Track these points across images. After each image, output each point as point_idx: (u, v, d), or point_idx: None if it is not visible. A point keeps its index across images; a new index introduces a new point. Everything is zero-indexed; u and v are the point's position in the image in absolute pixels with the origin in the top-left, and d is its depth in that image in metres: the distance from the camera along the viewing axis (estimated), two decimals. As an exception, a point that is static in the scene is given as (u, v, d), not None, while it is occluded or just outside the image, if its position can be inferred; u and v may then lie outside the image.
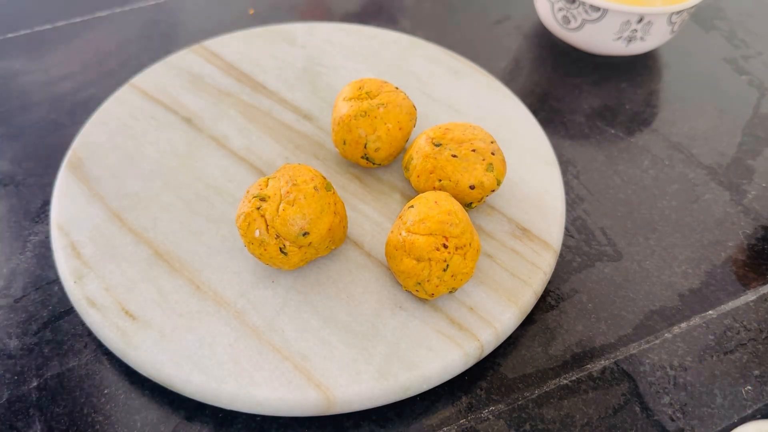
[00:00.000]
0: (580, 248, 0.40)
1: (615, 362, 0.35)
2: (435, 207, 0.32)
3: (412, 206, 0.33)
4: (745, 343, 0.36)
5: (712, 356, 0.35)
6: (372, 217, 0.38)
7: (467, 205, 0.37)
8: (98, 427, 0.31)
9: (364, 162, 0.39)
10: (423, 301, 0.34)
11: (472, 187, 0.35)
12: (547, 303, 0.37)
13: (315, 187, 0.32)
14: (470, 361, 0.33)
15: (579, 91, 0.51)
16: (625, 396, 0.33)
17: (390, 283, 0.35)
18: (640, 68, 0.53)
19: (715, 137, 0.48)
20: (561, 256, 0.39)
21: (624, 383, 0.34)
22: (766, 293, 0.38)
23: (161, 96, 0.44)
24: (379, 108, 0.37)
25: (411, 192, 0.39)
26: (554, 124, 0.48)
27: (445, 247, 0.31)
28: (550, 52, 0.54)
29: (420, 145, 0.37)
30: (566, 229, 0.41)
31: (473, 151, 0.36)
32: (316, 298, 0.34)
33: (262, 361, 0.31)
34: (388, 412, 0.32)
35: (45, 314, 0.35)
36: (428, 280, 0.32)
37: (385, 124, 0.37)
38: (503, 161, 0.36)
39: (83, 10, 0.56)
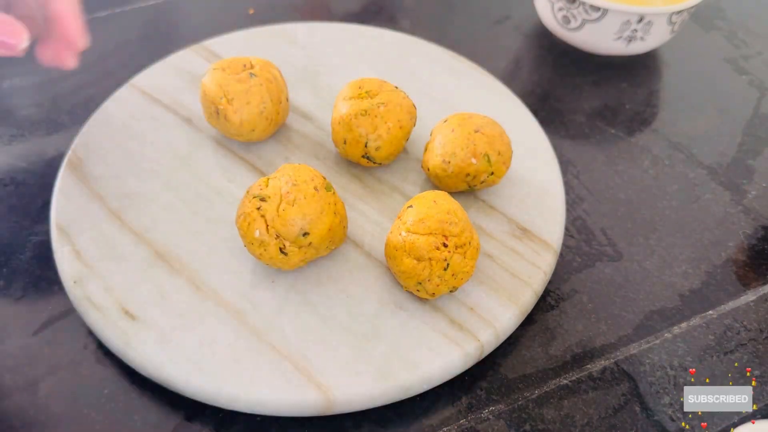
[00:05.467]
0: (580, 248, 0.40)
1: (615, 362, 0.35)
2: (434, 206, 0.32)
3: (410, 206, 0.33)
4: (745, 343, 0.36)
5: (712, 356, 0.35)
6: (372, 217, 0.38)
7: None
8: (98, 427, 0.31)
9: (364, 161, 0.39)
10: (423, 301, 0.34)
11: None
12: (547, 303, 0.37)
13: (315, 188, 0.32)
14: (470, 361, 0.33)
15: (579, 91, 0.51)
16: (625, 396, 0.33)
17: (390, 283, 0.35)
18: (640, 68, 0.53)
19: (715, 137, 0.48)
20: (561, 256, 0.39)
21: (624, 383, 0.34)
22: (767, 293, 0.38)
23: (161, 96, 0.44)
24: (379, 107, 0.37)
25: (410, 191, 0.39)
26: (554, 124, 0.48)
27: (445, 246, 0.31)
28: (550, 52, 0.54)
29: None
30: (566, 229, 0.41)
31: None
32: (316, 298, 0.34)
33: (262, 361, 0.31)
34: (388, 412, 0.32)
35: (45, 314, 0.35)
36: (429, 280, 0.32)
37: (386, 123, 0.37)
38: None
39: (83, 10, 0.56)
